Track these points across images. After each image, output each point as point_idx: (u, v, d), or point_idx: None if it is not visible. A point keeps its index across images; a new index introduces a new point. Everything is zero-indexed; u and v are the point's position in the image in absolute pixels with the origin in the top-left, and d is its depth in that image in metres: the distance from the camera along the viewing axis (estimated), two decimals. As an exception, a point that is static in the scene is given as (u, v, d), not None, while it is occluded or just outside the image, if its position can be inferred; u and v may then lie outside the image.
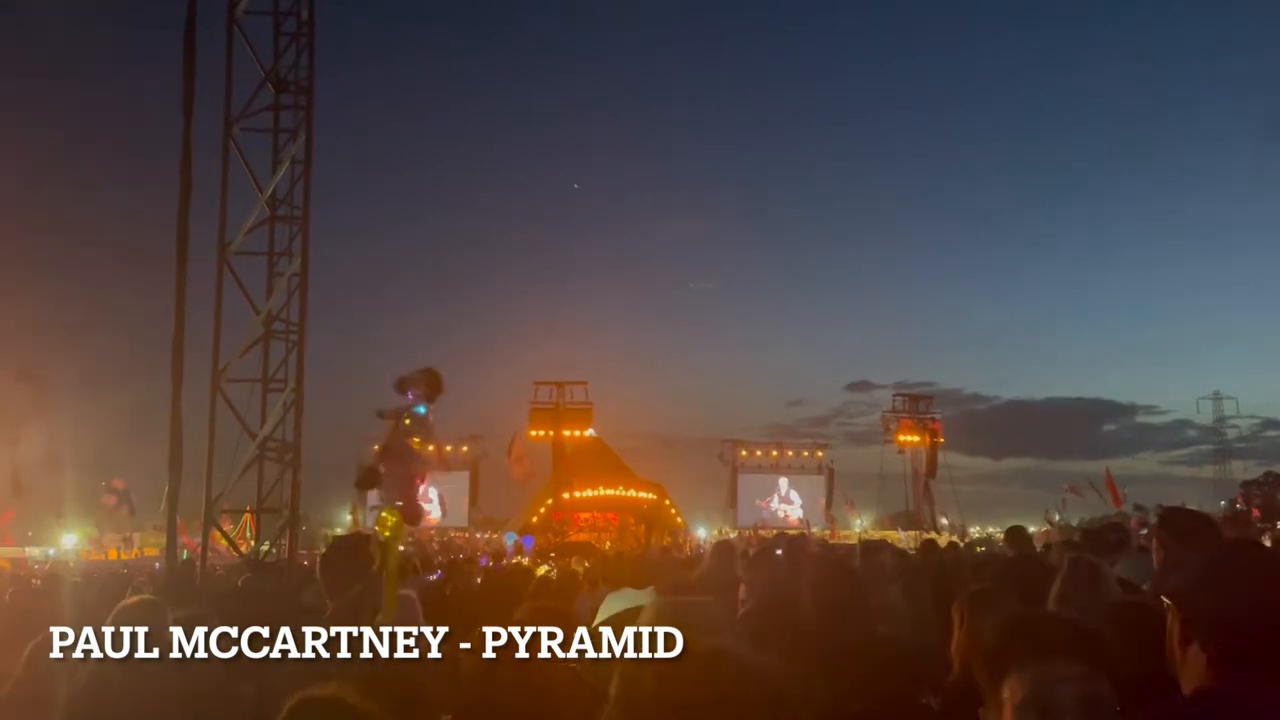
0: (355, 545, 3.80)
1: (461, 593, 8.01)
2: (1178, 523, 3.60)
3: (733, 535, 37.47)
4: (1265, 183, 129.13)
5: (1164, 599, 1.87)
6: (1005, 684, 1.60)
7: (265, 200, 11.96)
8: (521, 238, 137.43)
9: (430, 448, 5.65)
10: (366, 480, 5.34)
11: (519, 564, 15.90)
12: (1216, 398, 67.68)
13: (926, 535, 26.07)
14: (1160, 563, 3.52)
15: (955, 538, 36.55)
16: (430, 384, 5.60)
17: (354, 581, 3.53)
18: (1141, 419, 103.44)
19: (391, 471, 5.26)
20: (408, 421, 5.40)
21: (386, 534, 4.97)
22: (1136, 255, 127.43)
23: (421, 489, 5.47)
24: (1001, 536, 9.73)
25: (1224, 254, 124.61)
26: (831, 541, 25.08)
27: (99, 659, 3.91)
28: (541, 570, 10.66)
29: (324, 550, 3.85)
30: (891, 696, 2.72)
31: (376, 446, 5.47)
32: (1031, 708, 1.56)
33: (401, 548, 5.12)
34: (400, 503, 5.20)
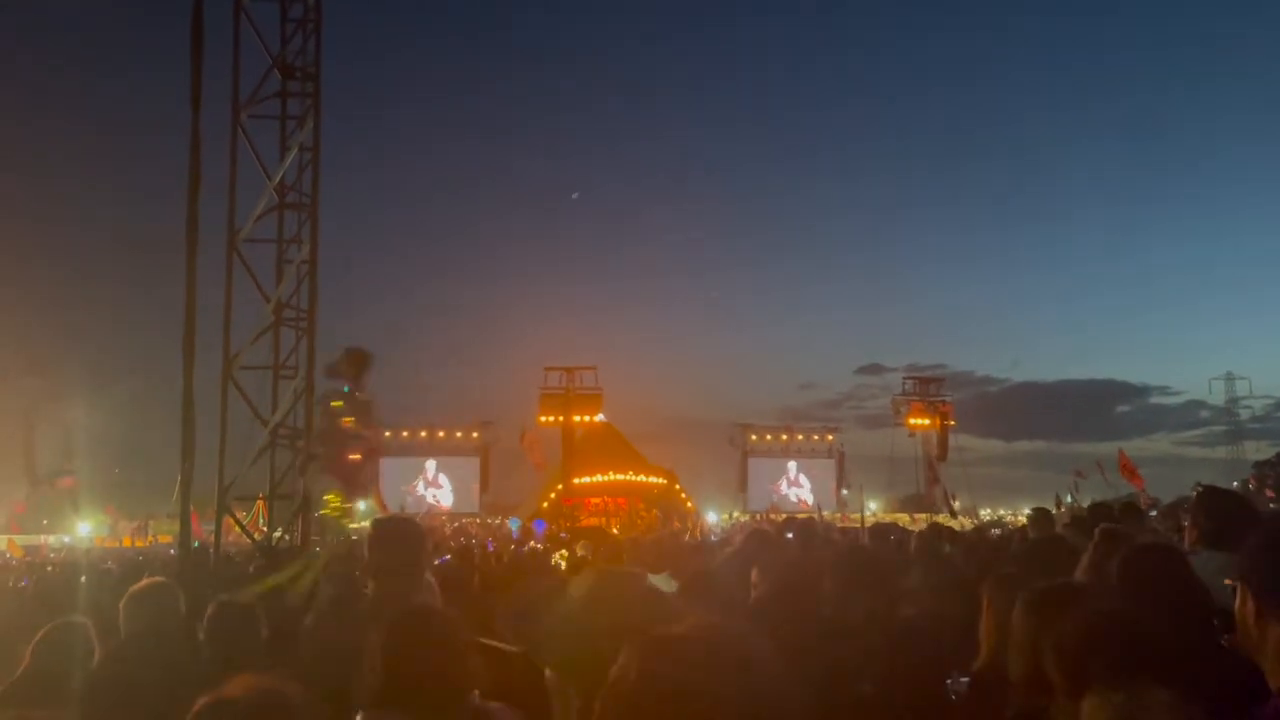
0: (407, 528, 3.76)
1: (485, 578, 8.10)
2: (1215, 501, 3.60)
3: (744, 519, 37.57)
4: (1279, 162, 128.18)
5: (1231, 581, 1.80)
6: (1088, 697, 1.56)
7: (274, 187, 11.96)
8: (531, 222, 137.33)
9: (370, 424, 5.66)
10: (303, 466, 5.38)
11: (533, 549, 15.96)
12: (1229, 378, 67.56)
13: (935, 518, 26.05)
14: (1193, 541, 3.50)
15: (966, 520, 36.57)
16: (352, 364, 5.65)
17: (402, 566, 3.50)
18: (1155, 400, 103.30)
19: (328, 455, 5.31)
20: (336, 404, 5.45)
21: (327, 512, 4.99)
22: (1149, 235, 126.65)
23: (356, 464, 5.47)
24: (1013, 519, 9.76)
25: (1237, 233, 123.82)
26: (842, 525, 25.09)
27: (113, 642, 3.96)
28: (556, 557, 10.71)
29: (373, 528, 3.79)
30: (908, 678, 2.71)
31: (315, 433, 5.53)
32: None
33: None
34: (337, 484, 5.23)
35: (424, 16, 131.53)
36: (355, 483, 5.25)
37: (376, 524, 4.03)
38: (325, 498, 5.06)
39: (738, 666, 1.33)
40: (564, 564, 9.66)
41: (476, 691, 2.53)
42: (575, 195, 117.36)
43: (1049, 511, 8.42)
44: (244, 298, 11.37)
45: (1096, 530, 3.61)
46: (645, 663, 1.33)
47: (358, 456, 5.61)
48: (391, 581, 3.45)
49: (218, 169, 10.91)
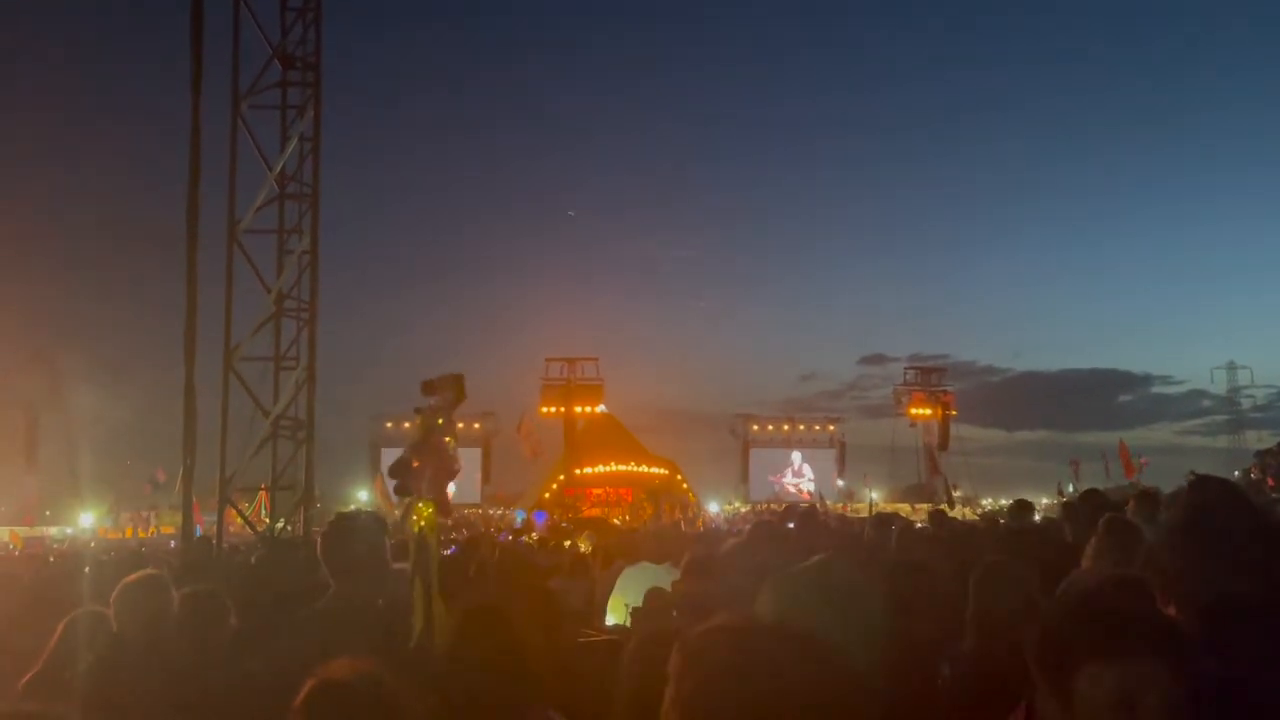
0: (363, 525, 3.80)
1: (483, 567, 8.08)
2: (1203, 491, 3.56)
3: (744, 510, 37.63)
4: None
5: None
6: (1079, 675, 1.53)
7: (274, 178, 11.94)
8: (532, 213, 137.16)
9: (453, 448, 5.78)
10: (398, 470, 5.40)
11: (528, 541, 15.98)
12: (1231, 368, 67.47)
13: (938, 506, 26.05)
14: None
15: (967, 509, 36.61)
16: (456, 389, 5.74)
17: (359, 565, 3.53)
18: (1157, 389, 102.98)
19: (427, 466, 5.32)
20: (440, 421, 5.50)
21: (422, 524, 5.02)
22: (1153, 225, 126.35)
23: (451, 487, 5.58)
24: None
25: (1240, 222, 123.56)
26: (845, 514, 25.10)
27: (112, 634, 3.96)
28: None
29: (327, 526, 3.82)
30: (892, 667, 2.71)
31: (412, 442, 5.57)
32: (1112, 708, 1.51)
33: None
34: (434, 496, 5.28)
35: (425, 5, 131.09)
36: (447, 501, 5.31)
37: (332, 522, 4.07)
38: (418, 505, 5.06)
39: (802, 654, 1.31)
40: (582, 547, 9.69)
41: (555, 714, 2.51)
42: (571, 212, 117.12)
43: (1029, 503, 8.53)
44: (245, 289, 11.38)
45: (1101, 520, 3.59)
46: (709, 661, 1.31)
47: (453, 477, 5.69)
48: (349, 581, 3.45)
49: (218, 159, 10.90)
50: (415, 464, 5.29)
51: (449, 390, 5.65)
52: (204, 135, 10.12)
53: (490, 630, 2.59)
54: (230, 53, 11.32)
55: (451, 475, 5.49)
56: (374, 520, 3.94)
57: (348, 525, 3.78)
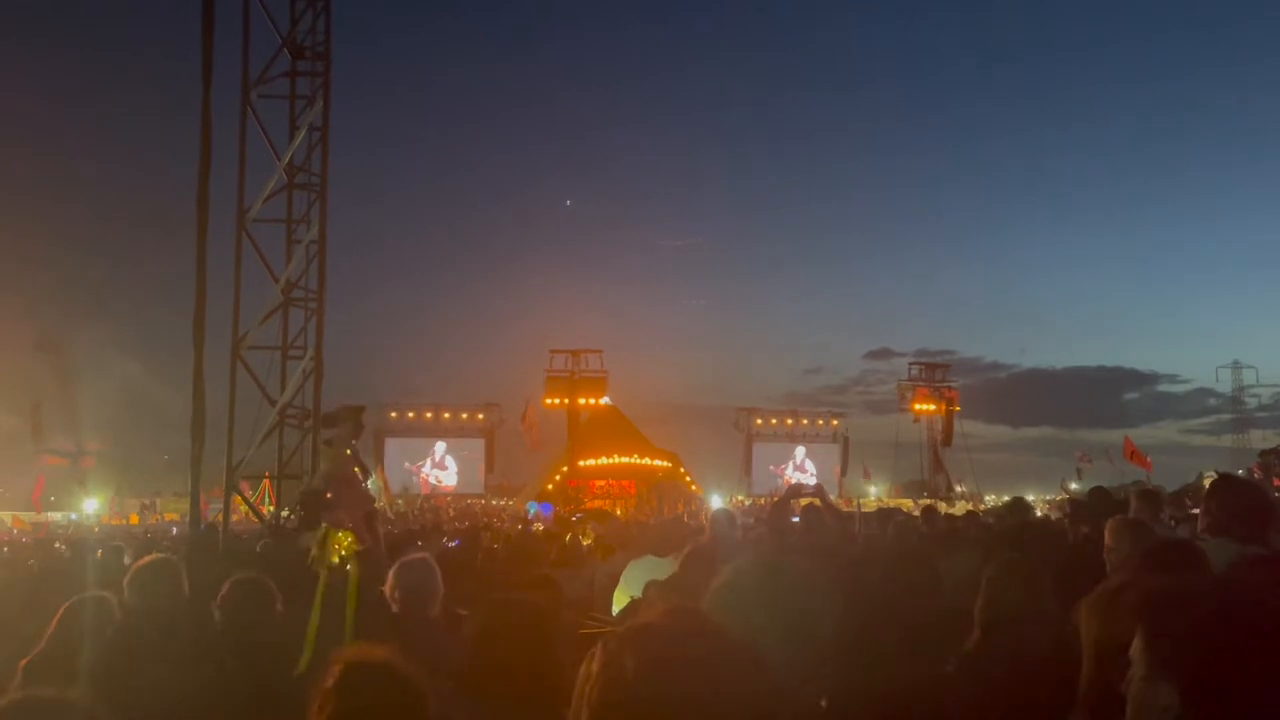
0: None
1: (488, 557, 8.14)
2: (1230, 490, 3.55)
3: (746, 503, 37.64)
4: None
5: None
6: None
7: (283, 168, 11.96)
8: (539, 205, 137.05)
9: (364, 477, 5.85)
10: (312, 502, 5.42)
11: (538, 530, 16.02)
12: (1236, 367, 67.45)
13: (925, 502, 25.99)
14: (1203, 528, 3.49)
15: (966, 505, 36.59)
16: (355, 420, 5.83)
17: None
18: (1163, 388, 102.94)
19: (342, 496, 5.34)
20: (349, 452, 5.54)
21: (342, 553, 5.04)
22: (1160, 224, 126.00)
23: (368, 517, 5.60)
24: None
25: (1247, 222, 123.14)
26: (845, 510, 25.09)
27: (122, 618, 4.00)
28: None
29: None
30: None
31: (323, 473, 5.62)
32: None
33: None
34: (352, 526, 5.29)
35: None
36: (364, 532, 5.28)
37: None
38: (336, 536, 5.06)
39: (729, 655, 1.32)
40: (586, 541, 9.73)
41: None
42: (568, 202, 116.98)
43: (1026, 501, 8.52)
44: (253, 278, 11.41)
45: (1110, 523, 3.60)
46: (637, 658, 1.30)
47: (369, 506, 5.67)
48: None
49: (228, 149, 10.94)
50: (328, 495, 5.32)
51: (348, 421, 5.74)
52: (214, 124, 10.14)
53: (518, 626, 2.61)
54: (240, 43, 11.35)
55: (367, 504, 5.55)
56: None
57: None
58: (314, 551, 5.07)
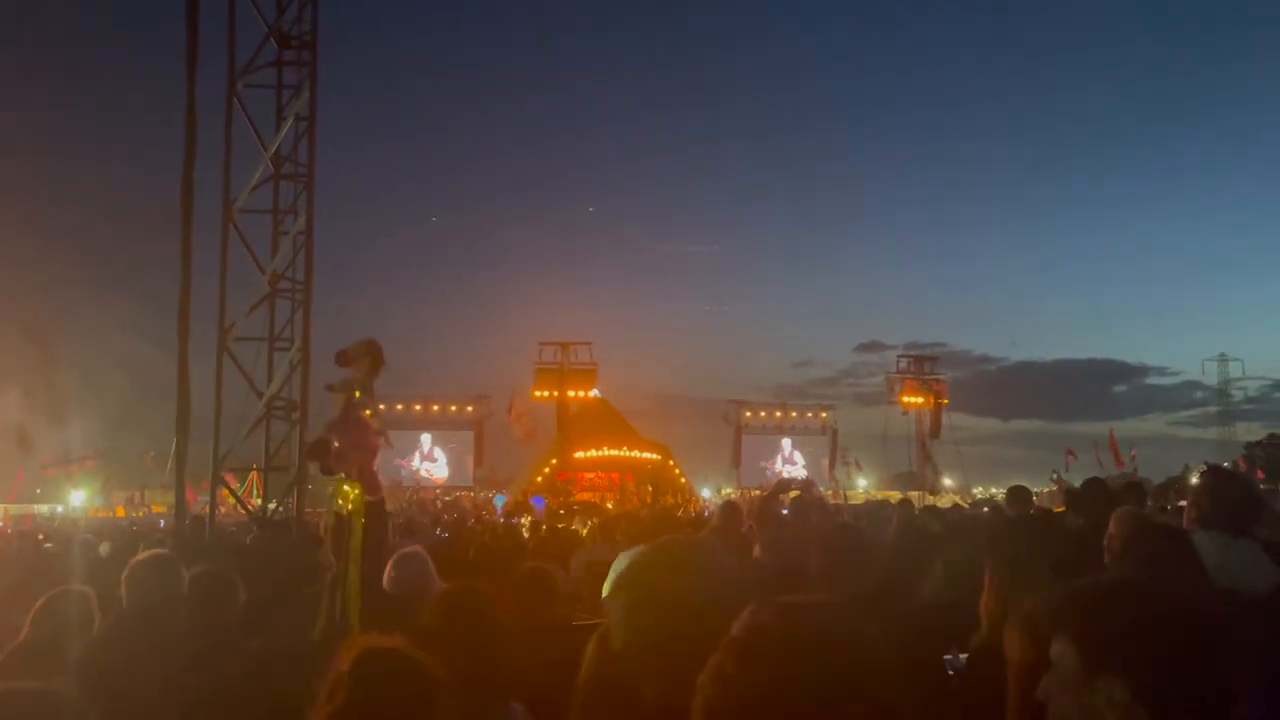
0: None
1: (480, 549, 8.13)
2: (1219, 484, 3.56)
3: (735, 494, 37.71)
4: (1277, 145, 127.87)
5: None
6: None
7: (270, 158, 11.88)
8: (527, 196, 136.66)
9: (377, 421, 5.60)
10: (317, 451, 5.27)
11: (518, 524, 16.07)
12: (1222, 360, 67.97)
13: (906, 495, 26.08)
14: (1190, 521, 3.49)
15: (952, 496, 36.74)
16: (374, 356, 5.51)
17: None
18: (1152, 380, 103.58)
19: (348, 445, 5.19)
20: (358, 395, 5.33)
21: (350, 507, 4.94)
22: (1150, 218, 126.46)
23: (378, 462, 5.44)
24: (1004, 497, 9.79)
25: (1234, 216, 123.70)
26: (834, 502, 25.19)
27: (113, 613, 3.97)
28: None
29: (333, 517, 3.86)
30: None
31: (330, 420, 5.40)
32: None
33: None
34: (358, 475, 5.18)
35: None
36: (374, 478, 5.15)
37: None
38: (343, 489, 4.97)
39: (849, 649, 1.28)
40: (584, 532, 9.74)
41: (519, 706, 2.53)
42: (591, 209, 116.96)
43: (1026, 489, 8.48)
44: (239, 269, 11.34)
45: (1116, 512, 3.61)
46: (755, 662, 1.26)
47: (376, 452, 5.49)
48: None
49: (213, 139, 10.83)
50: (335, 444, 5.18)
51: (364, 359, 5.46)
52: (199, 114, 10.05)
53: (469, 614, 2.59)
54: (226, 31, 11.24)
55: (373, 451, 5.35)
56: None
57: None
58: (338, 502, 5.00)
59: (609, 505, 28.89)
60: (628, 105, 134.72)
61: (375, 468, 5.30)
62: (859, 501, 28.80)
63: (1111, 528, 3.53)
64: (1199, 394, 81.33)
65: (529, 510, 23.60)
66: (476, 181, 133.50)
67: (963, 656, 2.66)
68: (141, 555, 4.14)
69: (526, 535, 12.62)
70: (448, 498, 38.52)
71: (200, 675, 3.30)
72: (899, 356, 47.80)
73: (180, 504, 10.35)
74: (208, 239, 10.68)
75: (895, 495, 33.51)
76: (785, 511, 6.88)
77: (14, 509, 31.23)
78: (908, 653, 2.75)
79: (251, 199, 11.58)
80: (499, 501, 31.29)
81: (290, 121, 12.01)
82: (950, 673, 2.62)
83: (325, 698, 1.92)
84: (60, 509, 34.02)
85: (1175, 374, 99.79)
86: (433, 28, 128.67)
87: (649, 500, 32.44)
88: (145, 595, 3.91)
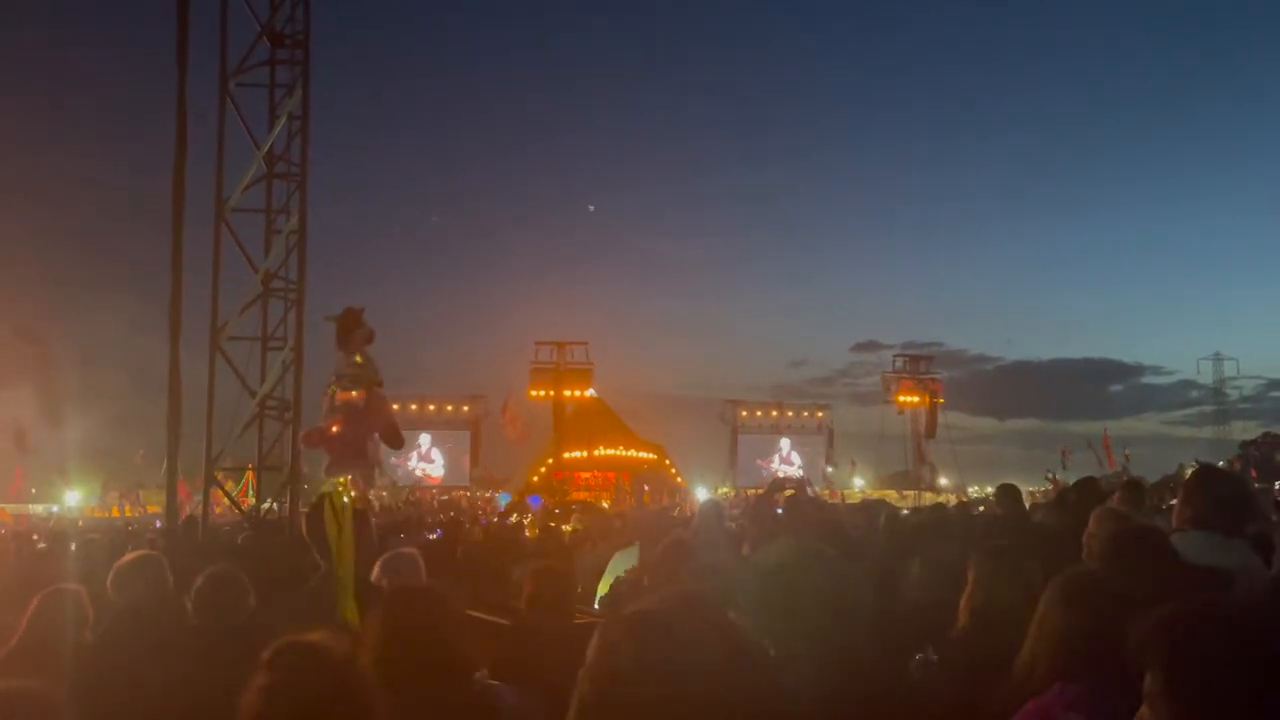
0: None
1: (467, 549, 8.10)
2: (1210, 483, 3.53)
3: (726, 493, 37.75)
4: (1272, 144, 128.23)
5: None
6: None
7: (262, 157, 11.86)
8: (522, 195, 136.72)
9: (379, 384, 5.52)
10: (309, 439, 5.26)
11: (517, 522, 16.03)
12: (1217, 359, 68.02)
13: (921, 494, 26.15)
14: (1181, 521, 3.46)
15: (948, 495, 36.79)
16: (343, 327, 5.48)
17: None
18: (1147, 379, 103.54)
19: (342, 434, 5.15)
20: (346, 375, 5.29)
21: (344, 500, 4.92)
22: (1144, 216, 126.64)
23: (376, 440, 5.38)
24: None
25: (1230, 214, 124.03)
26: (831, 501, 25.21)
27: (107, 615, 3.95)
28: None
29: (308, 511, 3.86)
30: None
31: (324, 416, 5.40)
32: None
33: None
34: (351, 468, 5.14)
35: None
36: (367, 467, 5.12)
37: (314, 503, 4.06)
38: (336, 483, 4.95)
39: (721, 638, 1.29)
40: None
41: (483, 671, 2.54)
42: (591, 208, 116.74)
43: (1016, 487, 8.46)
44: (232, 268, 11.31)
45: (1095, 512, 3.60)
46: (635, 642, 1.28)
47: (378, 428, 5.44)
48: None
49: (205, 138, 10.81)
50: (331, 431, 5.15)
51: (354, 332, 5.41)
52: (191, 113, 10.03)
53: (408, 607, 2.61)
54: (218, 30, 11.22)
55: (366, 432, 5.27)
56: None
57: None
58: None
59: (605, 504, 28.88)
60: (625, 105, 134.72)
61: (370, 453, 5.29)
62: (855, 501, 28.81)
63: (1091, 526, 3.52)
64: (1194, 393, 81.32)
65: (526, 510, 23.58)
66: (471, 180, 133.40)
67: (934, 658, 2.65)
68: (127, 556, 4.13)
69: (528, 535, 12.63)
70: (444, 497, 38.49)
71: (200, 676, 3.28)
72: (895, 356, 47.89)
73: (172, 504, 10.33)
74: (200, 238, 10.67)
75: (892, 494, 33.58)
76: (780, 511, 6.88)
77: (11, 508, 31.13)
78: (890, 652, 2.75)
79: (244, 198, 11.56)
80: (503, 500, 31.23)
81: (283, 120, 11.99)
82: (915, 675, 2.60)
83: (249, 692, 1.98)
84: (55, 509, 33.90)
85: (1170, 373, 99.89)
86: (426, 26, 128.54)
87: (647, 500, 32.47)
88: (132, 596, 3.89)
